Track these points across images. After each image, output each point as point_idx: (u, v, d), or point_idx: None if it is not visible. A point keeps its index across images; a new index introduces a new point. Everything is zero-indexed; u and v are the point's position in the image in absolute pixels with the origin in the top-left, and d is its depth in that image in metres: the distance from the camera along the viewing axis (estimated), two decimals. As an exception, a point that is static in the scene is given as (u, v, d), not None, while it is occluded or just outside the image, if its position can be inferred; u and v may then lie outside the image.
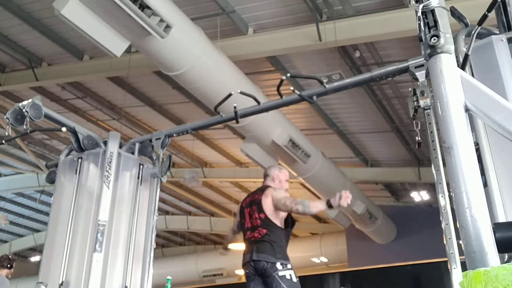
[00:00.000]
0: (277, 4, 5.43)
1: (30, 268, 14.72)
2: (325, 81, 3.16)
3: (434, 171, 2.75)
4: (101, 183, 3.37)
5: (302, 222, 13.02)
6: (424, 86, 2.86)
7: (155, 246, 3.62)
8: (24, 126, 3.19)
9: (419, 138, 2.97)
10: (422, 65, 2.88)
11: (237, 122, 3.19)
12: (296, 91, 3.24)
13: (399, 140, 8.36)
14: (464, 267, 1.24)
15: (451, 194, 1.31)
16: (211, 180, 10.63)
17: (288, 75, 3.39)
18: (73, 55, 6.56)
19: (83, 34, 4.31)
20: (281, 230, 3.65)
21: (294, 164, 7.18)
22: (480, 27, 1.82)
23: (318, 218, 12.78)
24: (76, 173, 3.44)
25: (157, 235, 3.88)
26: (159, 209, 3.80)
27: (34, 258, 15.32)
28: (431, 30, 1.42)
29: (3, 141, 3.36)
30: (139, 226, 3.51)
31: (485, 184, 1.93)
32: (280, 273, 3.43)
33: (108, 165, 3.42)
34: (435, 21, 1.42)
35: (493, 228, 1.24)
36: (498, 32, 2.25)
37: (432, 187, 9.16)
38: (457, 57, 1.86)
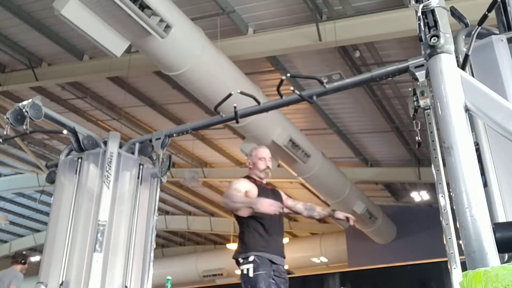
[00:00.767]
0: (277, 4, 5.43)
1: (30, 268, 14.72)
2: (325, 81, 3.16)
3: (434, 171, 2.75)
4: (101, 183, 3.37)
5: (303, 222, 13.02)
6: (424, 86, 2.86)
7: (155, 246, 3.62)
8: (24, 127, 3.19)
9: (419, 138, 2.97)
10: (422, 65, 2.88)
11: (237, 122, 3.20)
12: (296, 91, 3.24)
13: (399, 140, 8.36)
14: (464, 267, 1.24)
15: (451, 194, 1.31)
16: (211, 180, 10.64)
17: (288, 75, 3.39)
18: (73, 55, 6.56)
19: (83, 34, 4.31)
20: (246, 218, 3.41)
21: (294, 164, 7.18)
22: (480, 27, 1.82)
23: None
24: (76, 173, 3.44)
25: (157, 235, 3.88)
26: (159, 209, 3.80)
27: (34, 258, 15.30)
28: (431, 30, 1.42)
29: (0, 140, 3.35)
30: (139, 226, 3.51)
31: (485, 184, 1.93)
32: (241, 268, 3.38)
33: (108, 165, 3.42)
34: (435, 21, 1.42)
35: (493, 228, 1.24)
36: (498, 32, 2.25)
37: (432, 187, 9.16)
38: (457, 57, 1.86)
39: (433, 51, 1.41)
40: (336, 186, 8.40)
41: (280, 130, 6.49)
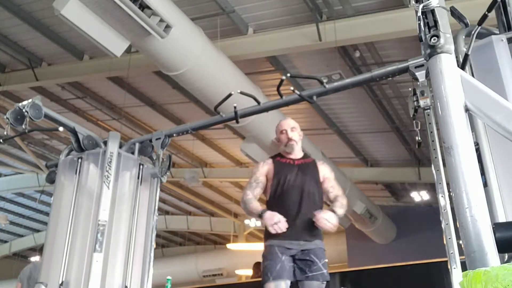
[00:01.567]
0: (277, 4, 5.43)
1: (30, 268, 14.71)
2: (325, 81, 3.16)
3: (434, 171, 2.75)
4: (101, 183, 3.37)
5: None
6: (424, 86, 2.86)
7: (155, 246, 3.62)
8: (23, 126, 3.20)
9: (419, 138, 2.97)
10: (422, 65, 2.88)
11: (237, 122, 3.20)
12: (296, 91, 3.24)
13: (399, 140, 8.36)
14: (464, 267, 1.24)
15: (451, 194, 1.31)
16: (211, 180, 10.64)
17: (288, 75, 3.39)
18: (73, 55, 6.56)
19: (83, 34, 4.31)
20: (268, 202, 3.20)
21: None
22: (480, 27, 1.82)
23: (318, 218, 12.76)
24: (76, 173, 3.44)
25: (157, 235, 3.88)
26: (159, 209, 3.81)
27: (34, 258, 15.31)
28: (431, 30, 1.42)
29: (0, 140, 3.36)
30: (139, 226, 3.51)
31: (485, 184, 1.93)
32: None
33: (108, 165, 3.42)
34: (435, 21, 1.42)
35: (493, 228, 1.24)
36: (498, 32, 2.25)
37: (432, 187, 9.16)
38: (457, 57, 1.86)
39: (433, 51, 1.41)
40: (336, 186, 8.39)
41: (280, 130, 6.48)
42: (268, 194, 3.17)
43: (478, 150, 1.98)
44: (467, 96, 1.37)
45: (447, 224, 2.62)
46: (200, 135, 8.82)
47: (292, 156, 3.25)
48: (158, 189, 3.78)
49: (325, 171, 3.27)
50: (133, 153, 3.74)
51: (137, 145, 3.80)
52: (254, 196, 3.13)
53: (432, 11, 1.43)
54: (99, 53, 6.31)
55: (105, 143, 3.61)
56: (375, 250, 10.77)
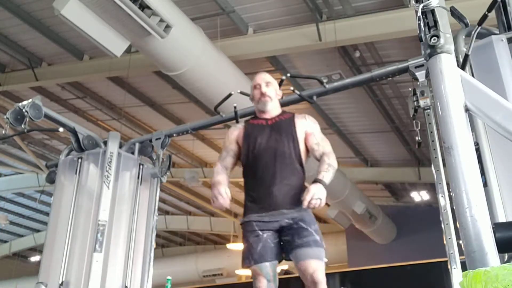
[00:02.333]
0: (277, 4, 5.43)
1: (30, 268, 14.73)
2: (325, 81, 3.16)
3: (434, 171, 2.75)
4: (101, 183, 3.37)
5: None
6: (424, 86, 2.86)
7: (155, 246, 3.63)
8: (23, 126, 3.20)
9: (419, 138, 2.98)
10: (422, 65, 2.89)
11: (237, 122, 3.19)
12: (296, 91, 3.25)
13: (399, 140, 8.36)
14: (464, 267, 1.24)
15: (451, 194, 1.31)
16: (211, 180, 10.61)
17: (288, 75, 3.40)
18: (73, 55, 6.56)
19: (83, 34, 4.31)
20: (243, 172, 2.80)
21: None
22: (480, 27, 1.82)
23: (318, 218, 12.78)
24: (76, 173, 3.44)
25: (157, 235, 3.89)
26: (159, 209, 3.81)
27: (34, 258, 15.31)
28: (431, 30, 1.42)
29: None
30: (139, 226, 3.51)
31: (485, 184, 1.94)
32: None
33: (108, 165, 3.42)
34: (435, 21, 1.42)
35: (493, 228, 1.24)
36: (498, 32, 2.25)
37: (432, 187, 9.16)
38: (457, 57, 1.87)
39: (433, 51, 1.41)
40: (336, 186, 8.40)
41: (280, 130, 6.48)
42: (242, 163, 2.76)
43: (478, 150, 1.98)
44: (467, 96, 1.37)
45: (447, 224, 2.62)
46: (200, 135, 8.82)
47: (267, 116, 2.76)
48: (158, 189, 3.78)
49: (306, 126, 2.72)
50: (133, 153, 3.74)
51: (137, 145, 3.80)
52: (224, 167, 2.73)
53: (432, 11, 1.43)
54: (99, 53, 6.31)
55: (105, 143, 3.62)
56: (375, 250, 10.77)
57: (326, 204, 10.22)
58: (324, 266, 2.62)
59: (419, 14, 1.43)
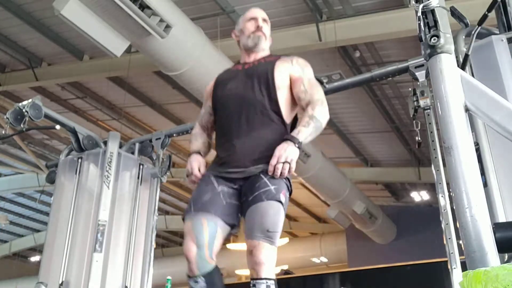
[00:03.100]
0: (277, 4, 5.43)
1: (30, 268, 14.73)
2: (325, 81, 3.16)
3: (434, 171, 2.75)
4: (101, 183, 3.37)
5: (303, 222, 13.02)
6: (424, 86, 2.87)
7: (155, 246, 3.63)
8: (22, 125, 3.20)
9: (419, 138, 2.98)
10: (422, 65, 2.89)
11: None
12: (296, 91, 3.23)
13: (399, 140, 8.36)
14: (464, 267, 1.24)
15: (451, 194, 1.31)
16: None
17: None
18: (73, 55, 6.56)
19: (83, 34, 4.31)
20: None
21: (294, 164, 7.17)
22: (480, 27, 1.82)
23: (318, 218, 12.78)
24: (76, 173, 3.45)
25: (157, 235, 3.89)
26: (159, 209, 3.81)
27: (34, 258, 15.31)
28: (431, 30, 1.42)
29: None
30: (139, 226, 3.51)
31: (485, 184, 1.94)
32: None
33: (108, 165, 3.43)
34: (435, 21, 1.42)
35: (493, 228, 1.24)
36: (498, 32, 2.25)
37: (432, 187, 9.16)
38: (457, 57, 1.87)
39: (433, 51, 1.41)
40: (336, 186, 8.40)
41: (280, 130, 6.48)
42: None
43: (478, 150, 1.98)
44: (467, 96, 1.37)
45: (447, 224, 2.62)
46: (200, 135, 8.81)
47: (251, 58, 2.33)
48: (158, 189, 3.78)
49: (291, 69, 2.23)
50: (133, 153, 3.74)
51: (137, 145, 3.81)
52: (202, 127, 2.35)
53: (432, 11, 1.43)
54: (99, 53, 6.31)
55: (105, 143, 3.62)
56: (375, 250, 10.77)
57: (326, 204, 10.24)
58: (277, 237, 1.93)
59: (419, 14, 1.43)
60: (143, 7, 4.24)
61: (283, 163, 1.94)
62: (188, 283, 2.00)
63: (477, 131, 2.03)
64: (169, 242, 15.62)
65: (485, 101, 1.37)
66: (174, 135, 3.87)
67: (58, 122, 3.58)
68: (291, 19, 5.62)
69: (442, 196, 2.67)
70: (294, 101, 2.22)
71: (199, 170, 2.15)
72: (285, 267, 10.11)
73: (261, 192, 1.95)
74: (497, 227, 1.26)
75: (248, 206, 1.96)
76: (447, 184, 2.59)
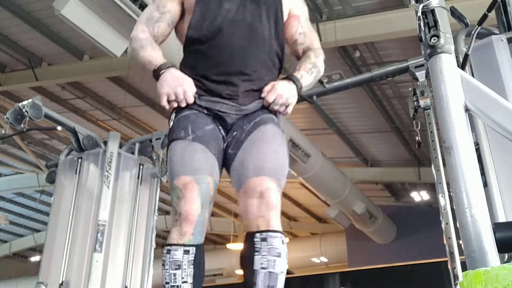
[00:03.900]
0: (277, 4, 5.43)
1: (30, 268, 14.73)
2: (325, 81, 3.17)
3: (434, 171, 2.75)
4: (101, 183, 3.37)
5: (303, 222, 13.02)
6: (424, 86, 2.87)
7: (155, 246, 3.63)
8: (22, 125, 3.21)
9: (419, 138, 2.98)
10: (422, 65, 2.89)
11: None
12: (296, 91, 3.24)
13: (399, 140, 8.36)
14: (464, 267, 1.24)
15: (451, 194, 1.31)
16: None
17: (288, 75, 3.38)
18: (73, 55, 6.57)
19: (83, 34, 4.31)
20: (184, 51, 1.88)
21: (294, 164, 7.18)
22: (480, 27, 1.82)
23: (318, 218, 12.78)
24: (76, 173, 3.45)
25: (157, 235, 3.89)
26: (159, 209, 3.81)
27: (34, 258, 15.31)
28: (431, 30, 1.42)
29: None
30: (139, 226, 3.51)
31: (485, 184, 1.94)
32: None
33: (108, 165, 3.43)
34: (435, 21, 1.42)
35: (493, 228, 1.24)
36: (498, 32, 2.25)
37: (432, 187, 9.16)
38: (457, 57, 1.87)
39: (433, 51, 1.41)
40: (336, 186, 8.40)
41: (280, 130, 6.48)
42: (184, 36, 1.78)
43: (478, 150, 1.98)
44: (467, 96, 1.37)
45: (447, 224, 2.62)
46: (200, 135, 8.81)
47: None
48: (158, 189, 3.78)
49: (292, 3, 1.86)
50: (133, 153, 3.74)
51: (137, 145, 3.80)
52: (153, 36, 1.79)
53: (432, 11, 1.43)
54: (99, 53, 6.31)
55: (105, 143, 3.62)
56: (375, 250, 10.77)
57: (326, 204, 10.24)
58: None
59: (419, 14, 1.43)
60: (143, 7, 4.24)
61: (282, 100, 1.65)
62: (167, 253, 1.47)
63: (477, 131, 2.03)
64: (169, 242, 15.62)
65: (485, 101, 1.37)
66: (174, 135, 3.86)
67: (58, 122, 3.58)
68: (291, 19, 5.62)
69: (442, 196, 2.67)
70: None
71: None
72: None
73: (262, 118, 1.64)
74: (497, 227, 1.26)
75: (247, 136, 1.59)
76: (447, 184, 2.59)
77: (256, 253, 1.42)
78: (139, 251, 3.46)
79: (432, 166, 2.78)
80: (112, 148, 3.51)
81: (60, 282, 3.09)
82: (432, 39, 1.41)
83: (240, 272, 12.08)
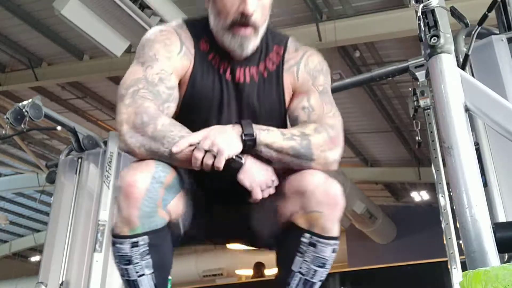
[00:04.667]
0: (277, 4, 5.43)
1: (30, 268, 14.72)
2: (325, 81, 3.16)
3: (434, 171, 2.76)
4: (101, 183, 3.38)
5: (302, 222, 13.00)
6: (424, 86, 2.87)
7: (155, 246, 3.62)
8: (22, 125, 3.21)
9: (419, 138, 2.98)
10: (422, 65, 2.90)
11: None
12: (296, 91, 3.23)
13: (399, 140, 8.36)
14: (464, 267, 1.24)
15: (451, 194, 1.31)
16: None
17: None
18: (73, 55, 6.56)
19: (83, 34, 4.31)
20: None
21: (294, 164, 7.18)
22: (480, 27, 1.82)
23: (318, 218, 12.77)
24: (76, 173, 3.45)
25: (157, 235, 3.88)
26: (159, 209, 3.80)
27: (34, 258, 15.31)
28: (431, 30, 1.42)
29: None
30: (139, 226, 3.51)
31: (485, 184, 1.94)
32: None
33: (108, 165, 3.43)
34: (435, 21, 1.42)
35: (493, 228, 1.24)
36: (498, 32, 2.25)
37: (432, 187, 9.15)
38: (457, 57, 1.87)
39: (433, 51, 1.41)
40: (336, 186, 8.39)
41: (280, 130, 6.48)
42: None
43: (478, 150, 1.99)
44: (467, 96, 1.37)
45: (447, 224, 2.63)
46: (200, 135, 8.81)
47: (236, 54, 1.49)
48: (158, 189, 3.78)
49: (295, 84, 1.59)
50: (133, 153, 3.74)
51: (137, 145, 3.80)
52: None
53: (432, 11, 1.43)
54: (99, 53, 6.30)
55: (105, 143, 3.62)
56: (375, 250, 10.77)
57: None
58: None
59: (419, 14, 1.43)
60: (143, 7, 4.24)
61: (257, 187, 1.29)
62: (113, 244, 1.24)
63: (477, 131, 2.03)
64: (169, 242, 15.60)
65: (485, 101, 1.37)
66: (174, 135, 3.86)
67: (58, 122, 3.58)
68: (291, 19, 5.61)
69: (442, 196, 2.67)
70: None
71: None
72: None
73: None
74: (497, 227, 1.26)
75: None
76: (447, 184, 2.59)
77: (298, 254, 1.32)
78: (139, 251, 3.46)
79: (432, 166, 2.78)
80: (112, 148, 3.51)
81: (60, 282, 3.09)
82: (432, 39, 1.41)
83: (240, 272, 12.06)
